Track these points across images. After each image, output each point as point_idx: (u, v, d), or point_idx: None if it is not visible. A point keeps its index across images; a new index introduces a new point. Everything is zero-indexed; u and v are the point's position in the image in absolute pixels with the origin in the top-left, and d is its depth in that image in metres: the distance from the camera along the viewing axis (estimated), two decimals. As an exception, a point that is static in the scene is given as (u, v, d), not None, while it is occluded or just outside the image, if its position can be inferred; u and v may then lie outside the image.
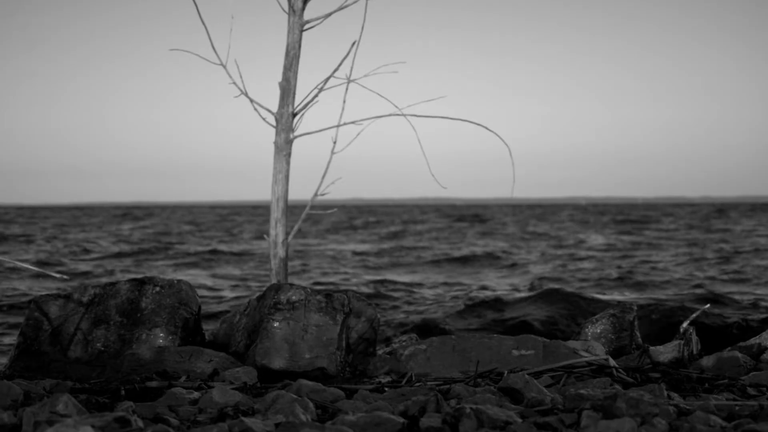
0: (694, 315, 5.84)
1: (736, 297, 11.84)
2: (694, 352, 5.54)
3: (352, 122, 6.33)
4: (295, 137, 6.21)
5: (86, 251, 24.85)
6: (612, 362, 4.78)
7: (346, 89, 6.34)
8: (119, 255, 23.42)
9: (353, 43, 6.25)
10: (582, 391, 3.77)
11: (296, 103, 6.20)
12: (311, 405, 3.63)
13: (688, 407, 3.58)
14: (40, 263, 19.59)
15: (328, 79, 6.26)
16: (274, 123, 6.18)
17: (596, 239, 29.63)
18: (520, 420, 3.38)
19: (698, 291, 12.82)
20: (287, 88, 6.18)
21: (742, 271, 16.77)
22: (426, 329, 9.62)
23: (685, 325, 5.59)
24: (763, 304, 11.16)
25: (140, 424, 3.09)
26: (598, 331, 5.66)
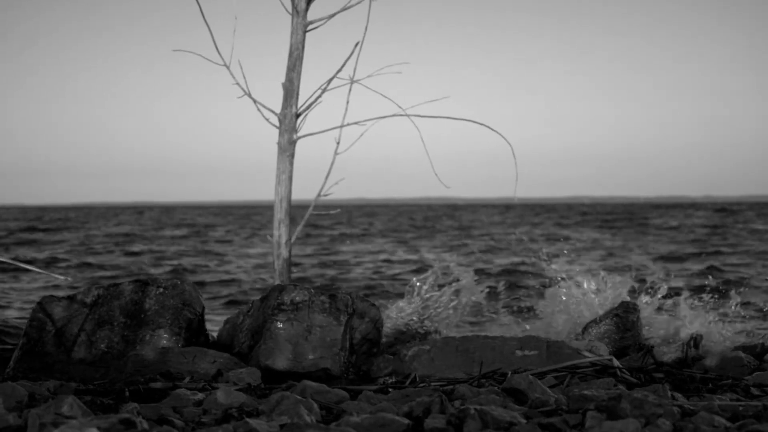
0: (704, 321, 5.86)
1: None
2: (700, 352, 5.54)
3: (356, 123, 6.33)
4: (299, 138, 6.21)
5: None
6: (616, 362, 4.77)
7: (350, 90, 6.34)
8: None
9: (356, 44, 6.25)
10: (586, 392, 3.77)
11: (299, 103, 6.20)
12: (316, 406, 3.63)
13: (692, 408, 3.58)
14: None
15: (331, 79, 6.26)
16: (277, 124, 6.19)
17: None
18: (524, 421, 3.38)
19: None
20: (290, 89, 6.18)
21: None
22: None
23: (694, 332, 5.59)
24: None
25: (145, 425, 3.09)
26: (602, 331, 5.67)
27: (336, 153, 6.40)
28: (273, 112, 6.20)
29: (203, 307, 5.44)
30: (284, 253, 6.14)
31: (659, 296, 6.08)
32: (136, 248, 26.35)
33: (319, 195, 6.40)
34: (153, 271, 18.75)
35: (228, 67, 6.26)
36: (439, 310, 5.99)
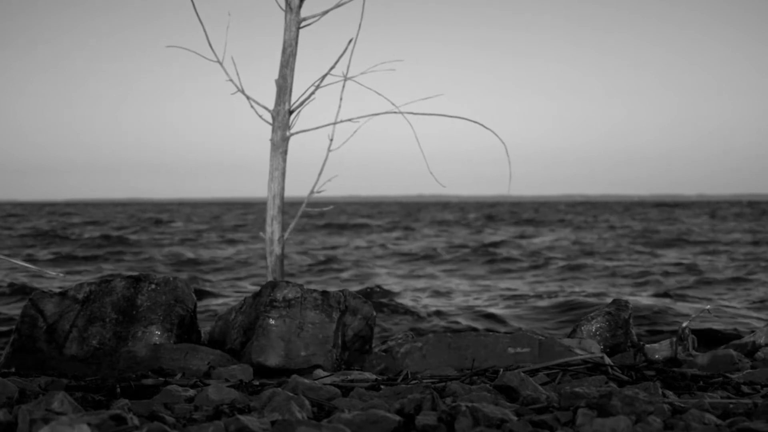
0: (694, 315, 5.89)
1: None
2: (690, 350, 5.56)
3: (349, 120, 6.33)
4: (292, 134, 6.21)
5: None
6: (607, 360, 4.79)
7: (343, 87, 6.35)
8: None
9: (350, 41, 6.25)
10: (577, 389, 3.77)
11: (293, 100, 6.20)
12: (307, 403, 3.63)
13: (682, 405, 3.59)
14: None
15: (324, 76, 6.26)
16: (270, 120, 6.18)
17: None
18: (515, 418, 3.38)
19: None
20: (284, 86, 6.18)
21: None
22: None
23: (684, 324, 5.61)
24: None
25: (136, 421, 3.09)
26: (594, 329, 5.67)
27: (329, 150, 6.40)
28: (266, 108, 6.19)
29: (195, 304, 5.43)
30: (277, 249, 6.14)
31: None
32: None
33: (312, 192, 6.40)
34: None
35: (222, 64, 6.26)
36: None
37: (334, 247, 25.26)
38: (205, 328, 5.78)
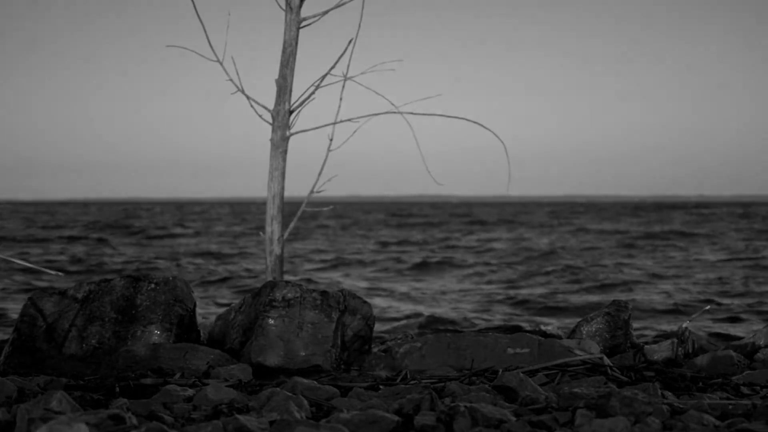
0: (695, 315, 5.89)
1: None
2: (690, 351, 5.56)
3: (349, 120, 6.33)
4: (292, 134, 6.20)
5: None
6: (606, 361, 4.78)
7: (343, 87, 6.34)
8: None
9: (350, 41, 6.25)
10: (576, 390, 3.78)
11: (293, 100, 6.20)
12: (306, 403, 3.63)
13: (681, 406, 3.59)
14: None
15: (324, 76, 6.26)
16: (270, 120, 6.18)
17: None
18: (514, 418, 3.38)
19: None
20: (284, 86, 6.18)
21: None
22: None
23: (684, 325, 5.61)
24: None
25: (135, 421, 3.09)
26: (593, 329, 5.67)
27: (329, 150, 6.40)
28: (266, 108, 6.19)
29: (195, 303, 5.43)
30: (276, 249, 6.14)
31: None
32: None
33: (312, 192, 6.40)
34: None
35: (221, 64, 6.26)
36: None
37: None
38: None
